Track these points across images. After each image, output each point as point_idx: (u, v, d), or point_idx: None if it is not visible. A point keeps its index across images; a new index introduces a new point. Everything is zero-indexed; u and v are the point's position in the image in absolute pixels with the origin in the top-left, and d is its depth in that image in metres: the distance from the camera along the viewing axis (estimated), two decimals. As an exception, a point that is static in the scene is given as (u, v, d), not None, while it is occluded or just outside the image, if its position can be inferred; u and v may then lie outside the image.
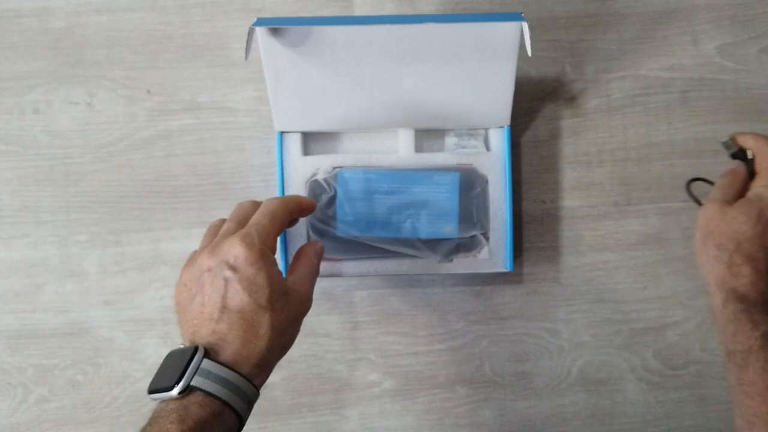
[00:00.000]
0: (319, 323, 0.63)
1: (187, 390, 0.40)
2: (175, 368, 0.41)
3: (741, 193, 0.51)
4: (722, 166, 0.63)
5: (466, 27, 0.52)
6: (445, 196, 0.57)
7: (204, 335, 0.43)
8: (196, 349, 0.41)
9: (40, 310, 0.62)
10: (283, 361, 0.62)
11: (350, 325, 0.63)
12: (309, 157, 0.59)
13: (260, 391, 0.44)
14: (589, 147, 0.63)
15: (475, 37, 0.53)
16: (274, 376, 0.62)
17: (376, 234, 0.57)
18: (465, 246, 0.59)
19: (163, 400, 0.40)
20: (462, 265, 0.59)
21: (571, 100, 0.63)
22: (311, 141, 0.60)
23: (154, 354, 0.62)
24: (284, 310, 0.44)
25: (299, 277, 0.47)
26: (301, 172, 0.59)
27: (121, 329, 0.62)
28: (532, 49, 0.50)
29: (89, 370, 0.62)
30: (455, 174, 0.57)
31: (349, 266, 0.59)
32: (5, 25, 0.62)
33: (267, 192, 0.62)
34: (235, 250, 0.44)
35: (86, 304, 0.62)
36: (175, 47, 0.62)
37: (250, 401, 0.43)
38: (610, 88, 0.63)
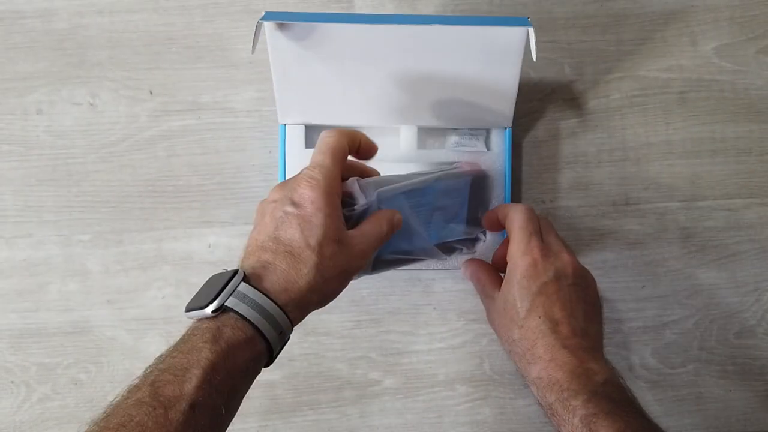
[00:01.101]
0: (319, 322, 0.63)
1: (221, 310, 0.40)
2: (213, 289, 0.41)
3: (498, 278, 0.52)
4: (721, 167, 0.64)
5: (473, 30, 0.53)
6: (457, 201, 0.56)
7: (251, 262, 0.43)
8: (235, 273, 0.42)
9: (43, 309, 0.62)
10: (284, 360, 0.63)
11: (351, 323, 0.63)
12: (311, 150, 0.59)
13: (290, 336, 0.44)
14: (587, 147, 0.64)
15: (481, 40, 0.53)
16: (275, 375, 0.63)
17: (403, 248, 0.53)
18: (470, 246, 0.59)
19: (198, 319, 0.41)
20: (461, 263, 0.59)
21: (570, 100, 0.64)
22: (314, 134, 0.61)
23: (156, 353, 0.62)
24: (333, 257, 0.43)
25: (360, 233, 0.46)
26: (303, 165, 0.59)
27: (123, 328, 0.63)
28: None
29: (92, 368, 0.63)
30: (467, 179, 0.57)
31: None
32: (8, 26, 0.62)
33: (268, 191, 0.62)
34: (301, 188, 0.44)
35: (89, 303, 0.62)
36: (177, 48, 0.63)
37: (282, 332, 0.42)
38: (608, 89, 0.64)
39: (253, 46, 0.49)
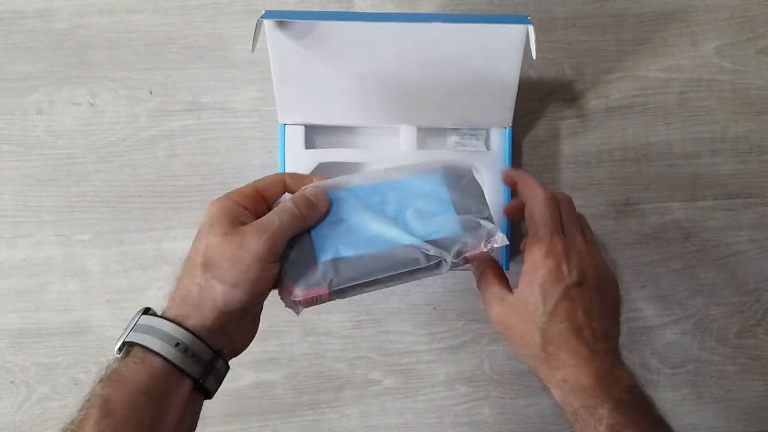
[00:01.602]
0: (320, 322, 0.63)
1: (127, 347, 0.40)
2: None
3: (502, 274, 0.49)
4: (720, 167, 0.64)
5: (473, 28, 0.53)
6: (432, 194, 0.48)
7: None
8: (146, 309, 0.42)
9: (43, 309, 0.62)
10: (284, 360, 0.63)
11: (351, 323, 0.63)
12: (311, 151, 0.60)
13: (222, 350, 0.42)
14: (588, 147, 0.64)
15: (481, 38, 0.53)
16: (275, 375, 0.63)
17: (370, 250, 0.45)
18: (473, 235, 0.47)
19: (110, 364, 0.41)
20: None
21: (571, 100, 0.64)
22: (314, 134, 0.61)
23: (156, 353, 0.63)
24: (220, 250, 0.41)
25: (259, 219, 0.43)
26: (303, 165, 0.59)
27: (123, 328, 0.62)
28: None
29: (92, 369, 0.63)
30: (437, 171, 0.49)
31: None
32: (8, 26, 0.62)
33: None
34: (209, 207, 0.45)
35: (89, 303, 0.62)
36: (177, 48, 0.63)
37: (200, 359, 0.40)
38: (608, 89, 0.64)
39: (253, 45, 0.49)
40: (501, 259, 0.60)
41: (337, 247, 0.45)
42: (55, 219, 0.62)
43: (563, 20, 0.63)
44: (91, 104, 0.62)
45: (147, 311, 0.42)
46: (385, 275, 0.45)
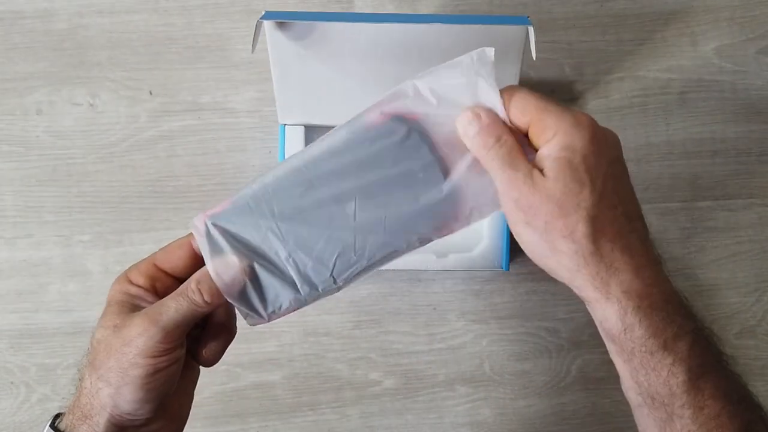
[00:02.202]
0: (320, 322, 0.63)
1: None
2: None
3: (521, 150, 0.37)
4: (721, 167, 0.64)
5: (473, 29, 0.53)
6: (402, 168, 0.39)
7: None
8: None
9: (43, 310, 0.62)
10: (284, 360, 0.63)
11: (351, 324, 0.63)
12: None
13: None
14: (588, 147, 0.64)
15: (481, 38, 0.53)
16: (275, 375, 0.63)
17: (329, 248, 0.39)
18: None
19: None
20: (459, 263, 0.59)
21: (571, 101, 0.64)
22: (314, 134, 0.61)
23: (156, 353, 0.63)
24: (105, 346, 0.37)
25: (148, 310, 0.37)
26: None
27: (123, 328, 0.62)
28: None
29: (92, 369, 0.63)
30: (397, 131, 0.39)
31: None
32: (8, 26, 0.62)
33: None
34: None
35: (89, 304, 0.62)
36: (177, 48, 0.63)
37: None
38: (608, 89, 0.64)
39: (253, 46, 0.49)
40: (501, 258, 0.60)
41: (300, 256, 0.38)
42: (55, 219, 0.62)
43: (563, 20, 0.63)
44: (91, 104, 0.62)
45: (56, 419, 0.39)
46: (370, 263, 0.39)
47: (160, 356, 0.36)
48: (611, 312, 0.36)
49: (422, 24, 0.53)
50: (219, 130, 0.63)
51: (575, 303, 0.64)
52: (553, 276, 0.37)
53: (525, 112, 0.37)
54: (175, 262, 0.39)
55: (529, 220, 0.35)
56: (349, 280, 0.39)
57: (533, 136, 0.37)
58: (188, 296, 0.37)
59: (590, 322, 0.64)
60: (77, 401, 0.37)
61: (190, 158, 0.63)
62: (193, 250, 0.39)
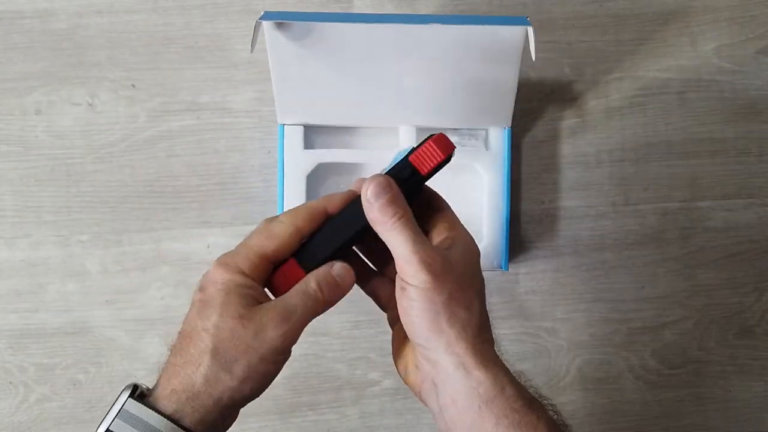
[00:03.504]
0: (319, 322, 0.63)
1: None
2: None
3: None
4: (721, 167, 0.64)
5: (472, 29, 0.53)
6: None
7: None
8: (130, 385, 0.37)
9: (42, 310, 0.62)
10: (284, 360, 0.63)
11: (350, 324, 0.63)
12: (310, 151, 0.60)
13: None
14: (587, 147, 0.64)
15: (480, 39, 0.53)
16: (275, 375, 0.63)
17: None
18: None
19: None
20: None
21: (570, 101, 0.64)
22: (313, 134, 0.61)
23: (155, 353, 0.63)
24: (234, 337, 0.36)
25: (275, 302, 0.38)
26: (302, 165, 0.59)
27: (122, 329, 0.63)
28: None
29: (91, 369, 0.63)
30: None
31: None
32: (7, 26, 0.62)
33: (267, 192, 0.62)
34: (210, 270, 0.39)
35: (88, 304, 0.62)
36: (176, 48, 0.63)
37: None
38: (608, 89, 0.64)
39: (252, 46, 0.49)
40: (501, 258, 0.60)
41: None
42: (54, 219, 0.62)
43: (563, 21, 0.63)
44: (90, 104, 0.62)
45: (135, 391, 0.37)
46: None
47: (286, 353, 0.38)
48: (489, 376, 0.38)
49: (421, 24, 0.53)
50: (218, 130, 0.63)
51: (575, 303, 0.64)
52: (420, 342, 0.39)
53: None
54: (282, 254, 0.40)
55: (435, 285, 0.37)
56: None
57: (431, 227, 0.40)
58: (311, 294, 0.39)
59: (589, 323, 0.64)
60: (182, 386, 0.36)
61: (189, 158, 0.62)
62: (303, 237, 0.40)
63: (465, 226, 0.41)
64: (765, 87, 0.64)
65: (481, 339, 0.38)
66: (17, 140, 0.62)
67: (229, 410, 0.38)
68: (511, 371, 0.40)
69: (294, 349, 0.63)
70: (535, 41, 0.49)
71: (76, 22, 0.62)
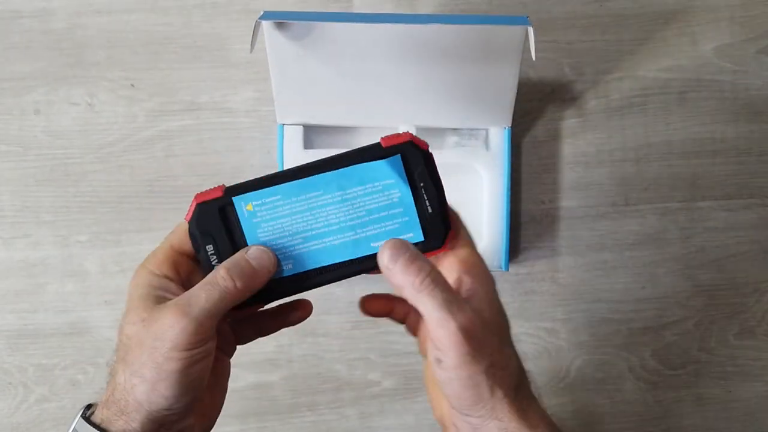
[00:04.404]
0: (318, 323, 0.63)
1: None
2: None
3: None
4: (721, 167, 0.64)
5: (472, 29, 0.52)
6: (387, 196, 0.38)
7: None
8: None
9: (40, 310, 0.62)
10: (282, 361, 0.63)
11: (350, 324, 0.63)
12: (310, 151, 0.60)
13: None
14: (587, 147, 0.64)
15: (480, 39, 0.53)
16: (273, 376, 0.63)
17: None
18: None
19: None
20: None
21: (570, 101, 0.63)
22: (313, 134, 0.61)
23: (154, 353, 0.62)
24: (136, 339, 0.35)
25: (179, 298, 0.36)
26: None
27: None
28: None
29: (90, 369, 0.62)
30: (393, 159, 0.38)
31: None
32: (6, 25, 0.62)
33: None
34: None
35: (87, 304, 0.62)
36: (175, 48, 0.62)
37: None
38: (608, 89, 0.64)
39: (252, 46, 0.49)
40: (501, 259, 0.60)
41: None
42: (52, 219, 0.62)
43: (563, 20, 0.63)
44: (89, 104, 0.62)
45: (88, 408, 0.37)
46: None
47: (194, 348, 0.35)
48: None
49: (421, 24, 0.53)
50: (217, 130, 0.62)
51: (575, 303, 0.64)
52: (460, 410, 0.37)
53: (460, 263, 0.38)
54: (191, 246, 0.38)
55: (475, 356, 0.34)
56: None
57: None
58: (218, 284, 0.36)
59: (589, 323, 0.64)
60: (111, 396, 0.36)
61: (188, 158, 0.62)
62: None
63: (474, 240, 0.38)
64: (765, 87, 0.64)
65: (521, 396, 0.36)
66: (16, 140, 0.62)
67: (160, 417, 0.36)
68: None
69: (293, 349, 0.63)
70: (535, 41, 0.49)
71: (74, 22, 0.62)
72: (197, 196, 0.38)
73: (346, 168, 0.38)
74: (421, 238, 0.38)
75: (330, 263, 0.38)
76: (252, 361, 0.63)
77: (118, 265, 0.62)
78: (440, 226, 0.38)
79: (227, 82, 0.62)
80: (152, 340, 0.35)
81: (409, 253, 0.35)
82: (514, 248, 0.62)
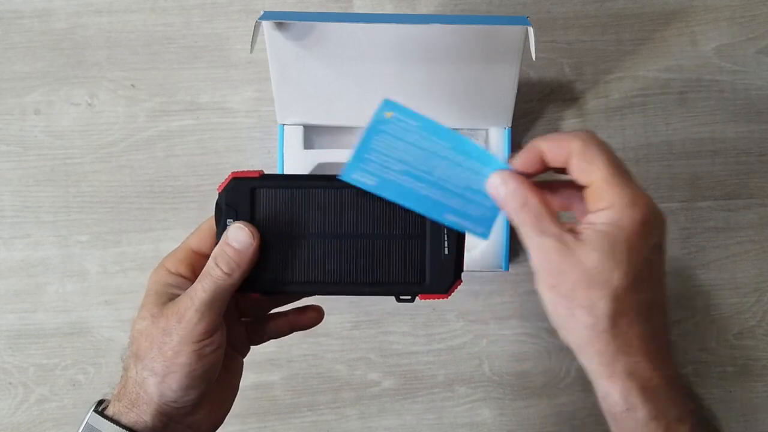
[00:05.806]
0: (318, 323, 0.63)
1: None
2: None
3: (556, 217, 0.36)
4: (721, 167, 0.64)
5: (472, 29, 0.52)
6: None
7: None
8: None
9: (41, 310, 0.62)
10: (283, 361, 0.63)
11: (350, 324, 0.63)
12: (310, 151, 0.60)
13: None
14: (587, 147, 0.63)
15: (480, 39, 0.53)
16: (274, 376, 0.63)
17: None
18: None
19: None
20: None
21: (570, 101, 0.63)
22: (313, 134, 0.61)
23: (154, 354, 0.62)
24: (147, 335, 0.37)
25: (183, 295, 0.38)
26: (301, 165, 0.59)
27: (121, 329, 0.62)
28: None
29: (90, 369, 0.62)
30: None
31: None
32: (6, 26, 0.62)
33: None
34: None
35: (87, 304, 0.62)
36: (175, 48, 0.62)
37: None
38: (608, 89, 0.64)
39: (252, 46, 0.49)
40: (501, 259, 0.60)
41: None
42: (53, 219, 0.62)
43: (563, 20, 0.63)
44: (90, 104, 0.62)
45: (99, 404, 0.39)
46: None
47: (201, 340, 0.36)
48: (614, 390, 0.35)
49: (421, 24, 0.53)
50: (217, 130, 0.63)
51: (575, 303, 0.64)
52: (564, 340, 0.37)
53: (589, 174, 0.35)
54: (210, 242, 0.39)
55: (554, 284, 0.36)
56: None
57: (589, 196, 0.36)
58: (210, 274, 0.37)
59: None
60: (123, 390, 0.38)
61: (188, 158, 0.62)
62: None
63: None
64: (765, 87, 0.64)
65: (615, 343, 0.35)
66: (16, 140, 0.62)
67: (170, 410, 0.37)
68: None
69: (293, 349, 0.63)
70: (535, 41, 0.49)
71: (75, 22, 0.62)
72: (233, 173, 0.39)
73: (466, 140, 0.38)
74: (487, 237, 0.40)
75: (405, 204, 0.38)
76: (252, 361, 0.62)
77: (118, 265, 0.62)
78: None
79: (227, 82, 0.62)
80: (161, 335, 0.36)
81: (513, 184, 0.37)
82: (515, 248, 0.62)
